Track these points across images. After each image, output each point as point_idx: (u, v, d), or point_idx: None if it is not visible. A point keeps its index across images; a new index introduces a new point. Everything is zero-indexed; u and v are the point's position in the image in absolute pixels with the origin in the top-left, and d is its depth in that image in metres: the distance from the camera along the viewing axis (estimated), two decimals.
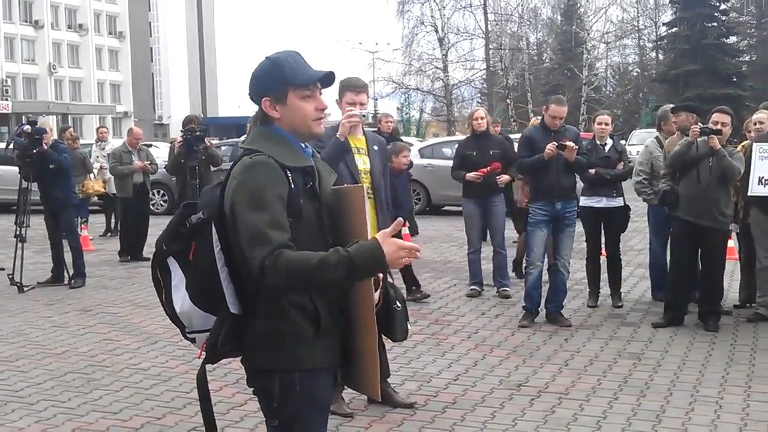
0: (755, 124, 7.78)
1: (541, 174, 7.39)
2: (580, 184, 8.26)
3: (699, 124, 7.07)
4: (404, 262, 2.63)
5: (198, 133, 10.94)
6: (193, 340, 2.92)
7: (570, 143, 7.24)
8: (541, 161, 7.32)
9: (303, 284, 2.61)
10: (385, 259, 2.54)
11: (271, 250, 2.55)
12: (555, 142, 7.23)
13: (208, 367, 2.88)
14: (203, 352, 2.82)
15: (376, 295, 2.78)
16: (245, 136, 3.00)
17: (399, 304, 4.99)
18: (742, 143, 7.92)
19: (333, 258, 2.53)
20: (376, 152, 5.30)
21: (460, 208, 9.64)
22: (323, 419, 2.88)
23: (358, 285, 2.71)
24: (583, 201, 8.23)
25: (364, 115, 5.14)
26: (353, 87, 5.14)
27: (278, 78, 2.76)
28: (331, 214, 2.81)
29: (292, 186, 2.69)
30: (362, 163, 5.21)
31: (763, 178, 7.17)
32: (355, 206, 2.75)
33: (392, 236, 2.59)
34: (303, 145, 2.84)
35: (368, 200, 5.15)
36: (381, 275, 2.83)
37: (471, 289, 8.91)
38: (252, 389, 2.87)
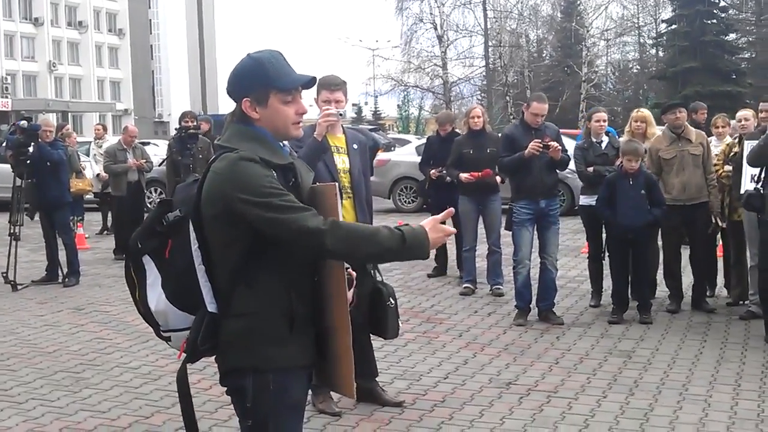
0: (740, 121, 7.82)
1: (524, 172, 7.34)
2: (579, 183, 8.22)
3: None
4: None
5: (192, 131, 10.91)
6: (168, 339, 2.91)
7: (554, 143, 7.20)
8: (521, 160, 7.27)
9: (355, 250, 2.62)
10: (429, 246, 2.63)
11: (321, 219, 2.59)
12: (539, 141, 7.20)
13: (197, 365, 2.87)
14: (183, 352, 2.81)
15: (350, 293, 2.78)
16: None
17: (392, 301, 5.02)
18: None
19: (384, 232, 2.60)
20: (355, 151, 5.27)
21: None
22: (298, 418, 2.86)
23: (331, 283, 2.72)
24: (583, 200, 8.16)
25: (341, 114, 5.11)
26: (328, 85, 5.08)
27: (261, 79, 2.73)
28: None
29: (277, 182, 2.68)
30: (341, 162, 5.18)
31: (754, 176, 7.15)
32: (328, 204, 2.75)
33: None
34: (280, 144, 2.83)
35: (348, 199, 5.16)
36: (354, 273, 2.83)
37: (464, 287, 8.91)
38: (226, 388, 2.85)
